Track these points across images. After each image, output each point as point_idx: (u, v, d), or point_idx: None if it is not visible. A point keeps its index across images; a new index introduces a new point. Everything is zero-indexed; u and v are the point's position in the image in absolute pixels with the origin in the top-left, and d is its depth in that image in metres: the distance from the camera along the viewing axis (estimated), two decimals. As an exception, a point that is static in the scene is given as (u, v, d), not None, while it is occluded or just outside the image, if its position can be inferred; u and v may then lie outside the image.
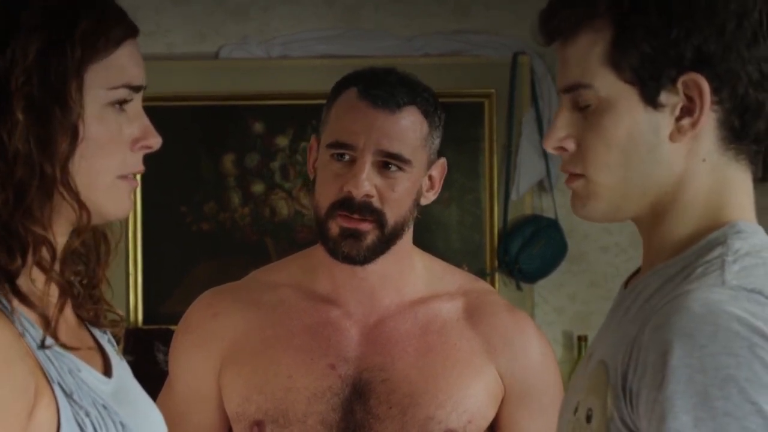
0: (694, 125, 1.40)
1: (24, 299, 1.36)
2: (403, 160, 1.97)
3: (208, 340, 2.08)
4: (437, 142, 2.04)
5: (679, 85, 1.39)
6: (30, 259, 1.37)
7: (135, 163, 1.46)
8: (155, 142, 1.48)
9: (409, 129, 1.98)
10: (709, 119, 1.40)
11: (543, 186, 4.17)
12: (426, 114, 2.01)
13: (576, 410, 1.45)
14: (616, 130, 1.41)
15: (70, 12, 1.40)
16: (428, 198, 2.06)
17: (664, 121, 1.41)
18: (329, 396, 2.01)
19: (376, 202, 1.96)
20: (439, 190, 2.08)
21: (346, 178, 1.95)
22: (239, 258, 4.08)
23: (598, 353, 1.45)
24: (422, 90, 2.03)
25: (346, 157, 1.97)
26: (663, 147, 1.41)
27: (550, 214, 4.14)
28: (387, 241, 1.99)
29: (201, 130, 4.17)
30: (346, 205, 1.95)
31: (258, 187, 4.18)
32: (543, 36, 1.48)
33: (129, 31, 1.46)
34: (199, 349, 2.09)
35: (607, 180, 1.43)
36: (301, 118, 4.13)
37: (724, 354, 1.27)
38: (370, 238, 1.97)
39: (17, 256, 1.36)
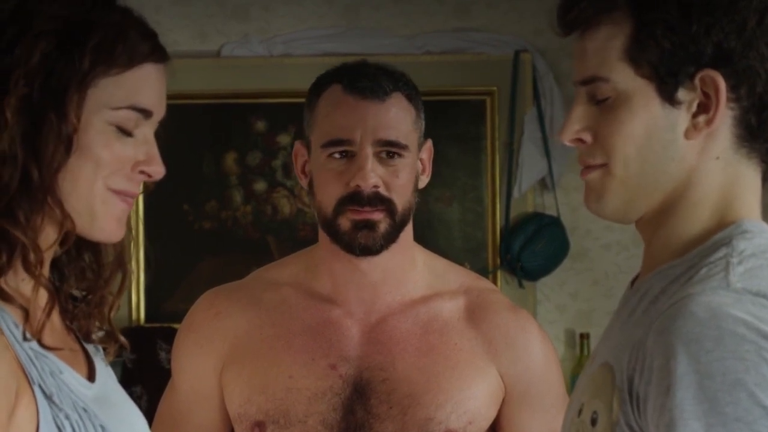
0: (709, 123, 1.39)
1: (5, 296, 1.36)
2: (401, 146, 1.98)
3: (210, 339, 2.08)
4: (423, 124, 2.05)
5: (697, 81, 1.38)
6: (15, 260, 1.36)
7: (130, 184, 1.43)
8: (156, 171, 1.45)
9: (399, 115, 1.99)
10: (725, 117, 1.39)
11: (545, 184, 4.16)
12: (410, 98, 2.02)
13: (580, 412, 1.43)
14: (632, 124, 1.40)
15: (86, 23, 1.38)
16: (423, 181, 2.06)
17: (681, 117, 1.40)
18: (330, 396, 2.00)
19: (383, 191, 1.96)
20: (430, 172, 2.08)
21: (350, 174, 1.95)
22: (241, 256, 4.09)
23: (603, 355, 1.44)
24: (401, 75, 2.04)
25: (345, 154, 1.97)
26: (678, 144, 1.40)
27: (552, 212, 4.14)
28: (398, 228, 1.99)
29: (203, 129, 4.17)
30: (356, 199, 1.95)
31: (260, 186, 4.18)
32: (561, 26, 1.47)
33: (152, 54, 1.44)
34: (201, 349, 2.09)
35: (624, 172, 1.42)
36: (303, 116, 4.12)
37: (731, 358, 1.26)
38: (383, 226, 1.97)
39: (3, 253, 1.36)
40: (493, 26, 4.17)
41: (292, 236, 4.14)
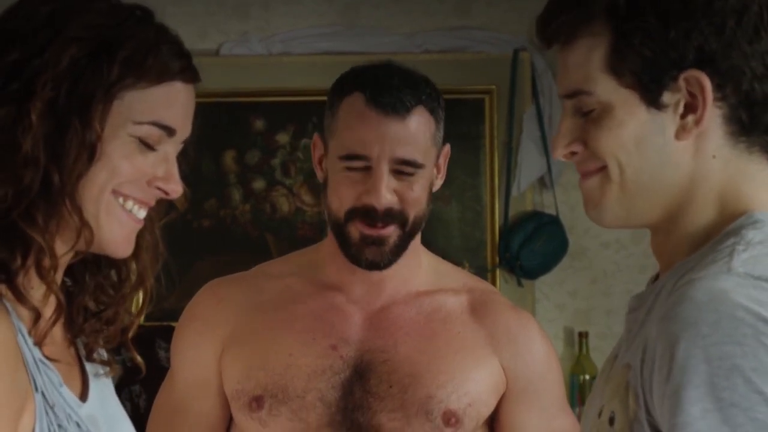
0: (698, 122, 1.38)
1: (20, 297, 1.35)
2: (417, 165, 1.99)
3: (212, 326, 2.10)
4: (442, 134, 2.06)
5: (681, 82, 1.38)
6: (29, 264, 1.35)
7: (142, 193, 1.42)
8: (173, 189, 1.44)
9: (419, 132, 1.99)
10: (713, 115, 1.39)
11: (544, 182, 4.17)
12: (432, 111, 2.02)
13: (600, 413, 1.43)
14: (619, 132, 1.40)
15: (119, 34, 1.38)
16: (437, 185, 2.08)
17: (669, 120, 1.39)
18: (329, 374, 2.02)
19: (396, 205, 1.98)
20: (445, 174, 2.10)
21: (363, 188, 1.97)
22: (240, 254, 4.08)
23: (623, 357, 1.43)
24: (424, 85, 2.04)
25: (361, 167, 1.98)
26: (670, 147, 1.40)
27: (551, 211, 4.14)
28: (408, 238, 2.01)
29: (201, 127, 4.16)
30: (370, 215, 1.97)
31: (259, 184, 4.18)
32: (542, 40, 1.47)
33: (183, 73, 1.43)
34: (202, 336, 2.11)
35: (620, 176, 1.41)
36: (302, 115, 4.12)
37: (729, 343, 1.25)
38: (392, 240, 1.99)
39: (18, 255, 1.35)
40: (492, 25, 4.17)
41: (291, 235, 4.14)
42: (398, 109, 1.97)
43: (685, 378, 1.26)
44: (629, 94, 1.39)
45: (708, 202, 1.41)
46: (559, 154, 1.46)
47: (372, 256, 1.99)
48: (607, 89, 1.40)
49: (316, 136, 2.08)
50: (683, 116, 1.39)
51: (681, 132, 1.39)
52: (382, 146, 1.96)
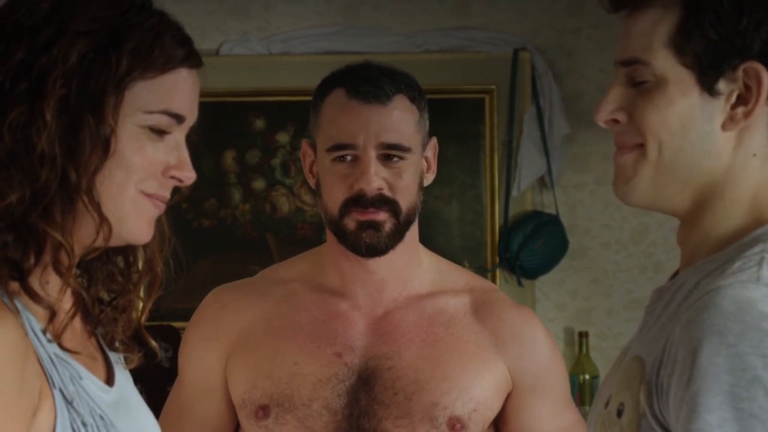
0: (747, 115, 1.37)
1: (34, 296, 1.35)
2: (404, 149, 2.00)
3: (216, 332, 2.11)
4: (427, 123, 2.08)
5: (740, 72, 1.36)
6: (46, 260, 1.35)
7: (162, 188, 1.44)
8: (188, 176, 1.46)
9: (402, 117, 2.01)
10: (763, 113, 1.38)
11: (544, 182, 4.17)
12: (413, 99, 2.04)
13: (607, 404, 1.42)
14: (668, 110, 1.39)
15: (123, 26, 1.38)
16: (428, 179, 2.09)
17: (719, 108, 1.38)
18: (335, 382, 2.03)
19: (387, 192, 1.99)
20: (436, 170, 2.11)
21: (354, 177, 1.99)
22: (240, 254, 4.09)
23: (635, 349, 1.43)
24: (404, 77, 2.06)
25: (349, 158, 2.00)
26: (714, 136, 1.38)
27: (551, 210, 4.14)
28: (403, 227, 2.02)
29: (202, 127, 4.16)
30: (361, 201, 1.98)
31: (259, 184, 4.18)
32: (611, 2, 1.45)
33: (187, 60, 1.44)
34: (206, 342, 2.12)
35: (657, 156, 1.40)
36: (302, 114, 4.08)
37: (752, 354, 1.25)
38: (388, 226, 2.00)
39: (31, 254, 1.35)
40: (492, 25, 4.17)
41: (291, 234, 4.15)
42: (379, 96, 2.00)
43: (706, 385, 1.26)
44: (686, 73, 1.38)
45: (740, 201, 1.40)
46: (602, 118, 1.44)
47: (370, 240, 2.00)
48: (665, 64, 1.39)
49: (304, 144, 2.10)
50: (734, 107, 1.38)
51: (728, 122, 1.38)
52: (368, 133, 1.98)
